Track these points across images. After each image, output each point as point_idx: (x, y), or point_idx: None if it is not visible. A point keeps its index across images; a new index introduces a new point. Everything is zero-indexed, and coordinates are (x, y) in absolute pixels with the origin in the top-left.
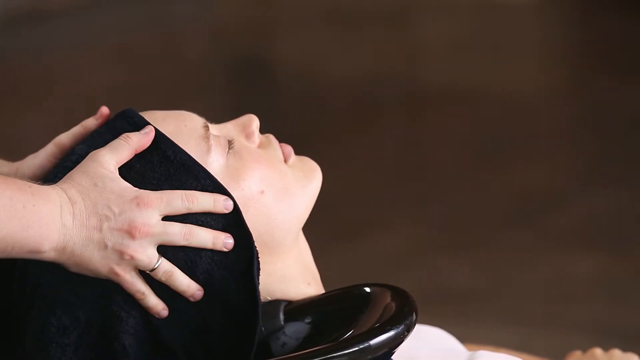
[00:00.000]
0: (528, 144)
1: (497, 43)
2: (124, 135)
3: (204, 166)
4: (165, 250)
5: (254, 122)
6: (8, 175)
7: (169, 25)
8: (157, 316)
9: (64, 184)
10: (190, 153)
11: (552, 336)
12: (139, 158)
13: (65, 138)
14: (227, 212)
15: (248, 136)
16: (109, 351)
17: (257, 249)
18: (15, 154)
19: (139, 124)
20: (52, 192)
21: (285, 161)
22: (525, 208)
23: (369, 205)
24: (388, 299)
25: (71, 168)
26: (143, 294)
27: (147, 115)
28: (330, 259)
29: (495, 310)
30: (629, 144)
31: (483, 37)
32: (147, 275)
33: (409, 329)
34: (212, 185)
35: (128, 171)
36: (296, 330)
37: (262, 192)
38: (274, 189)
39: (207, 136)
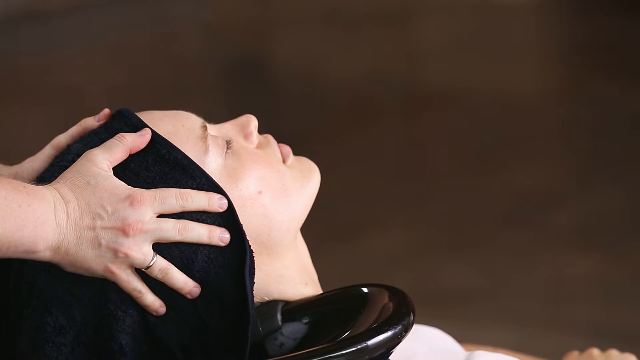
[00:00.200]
0: (526, 144)
1: (496, 43)
2: (119, 135)
3: (202, 166)
4: (160, 249)
5: (252, 122)
6: None
7: (167, 25)
8: (154, 314)
9: (57, 183)
10: (188, 153)
11: (550, 336)
12: (134, 157)
13: (63, 139)
14: (221, 210)
15: (246, 136)
16: (105, 350)
17: (255, 249)
18: (14, 154)
19: (136, 125)
20: (45, 192)
21: (284, 161)
22: (524, 208)
23: (368, 205)
24: (386, 299)
25: (67, 167)
26: (139, 292)
27: (145, 115)
28: (328, 259)
29: (493, 310)
30: (627, 144)
31: (482, 37)
32: (143, 274)
33: (406, 330)
34: (207, 183)
35: (123, 170)
36: (294, 330)
37: (260, 192)
38: (272, 189)
39: (204, 136)
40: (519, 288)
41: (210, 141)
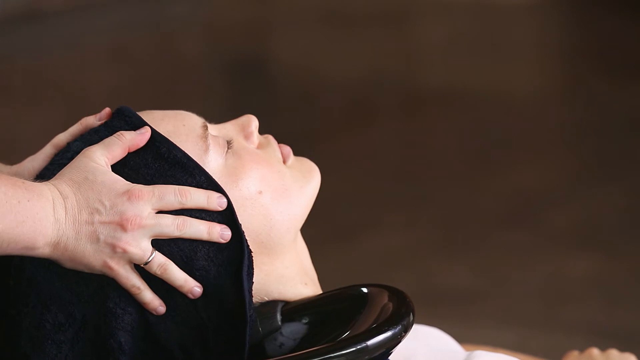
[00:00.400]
0: (525, 145)
1: (495, 44)
2: (118, 133)
3: (202, 165)
4: (159, 246)
5: (253, 122)
6: None
7: (166, 25)
8: (153, 312)
9: (55, 180)
10: (188, 152)
11: (549, 336)
12: (133, 155)
13: (63, 138)
14: (220, 209)
15: (247, 136)
16: (104, 348)
17: (255, 249)
18: (14, 155)
19: (137, 124)
20: (44, 188)
21: (284, 162)
22: (523, 208)
23: (367, 205)
24: (385, 299)
25: (66, 165)
26: (138, 288)
27: (146, 114)
28: (328, 259)
29: (492, 310)
30: (626, 144)
31: (481, 38)
32: (143, 272)
33: (406, 330)
34: (206, 182)
35: (122, 167)
36: (293, 330)
37: (260, 192)
38: (272, 190)
39: (205, 136)
40: (519, 288)
41: (210, 141)
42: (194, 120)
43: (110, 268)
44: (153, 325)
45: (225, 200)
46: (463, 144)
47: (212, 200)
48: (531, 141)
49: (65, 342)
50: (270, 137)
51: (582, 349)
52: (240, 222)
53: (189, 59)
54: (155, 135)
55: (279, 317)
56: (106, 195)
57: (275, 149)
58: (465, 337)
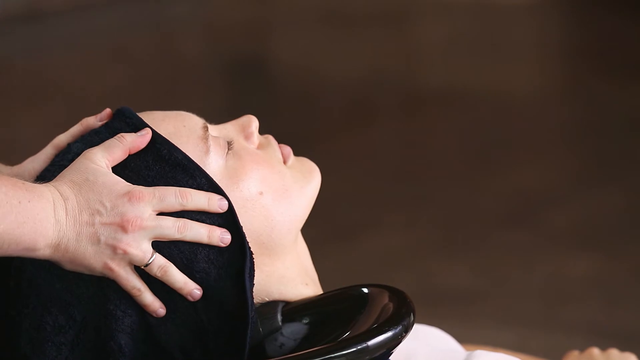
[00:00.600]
0: (525, 145)
1: (495, 44)
2: (119, 135)
3: (203, 167)
4: (160, 249)
5: (253, 123)
6: None
7: (166, 25)
8: (154, 315)
9: (56, 181)
10: (189, 153)
11: (549, 336)
12: (134, 157)
13: (64, 139)
14: (221, 211)
15: (247, 137)
16: (105, 350)
17: (256, 250)
18: (13, 155)
19: (137, 125)
20: (44, 190)
21: (284, 162)
22: (522, 208)
23: (367, 205)
24: (386, 299)
25: (67, 166)
26: (139, 290)
27: (146, 115)
28: (328, 260)
29: (492, 310)
30: (626, 144)
31: (481, 38)
32: (144, 274)
33: (406, 330)
34: (207, 184)
35: (123, 169)
36: (294, 331)
37: (261, 193)
38: (272, 190)
39: (205, 137)
40: (519, 288)
41: (211, 142)
42: (194, 121)
43: (110, 269)
44: (153, 328)
45: (226, 202)
46: (463, 143)
47: (212, 203)
48: (531, 141)
49: (66, 344)
50: (271, 138)
51: (582, 348)
52: (241, 223)
53: (189, 59)
54: (155, 136)
55: (279, 317)
56: (107, 197)
57: (275, 149)
58: (466, 337)
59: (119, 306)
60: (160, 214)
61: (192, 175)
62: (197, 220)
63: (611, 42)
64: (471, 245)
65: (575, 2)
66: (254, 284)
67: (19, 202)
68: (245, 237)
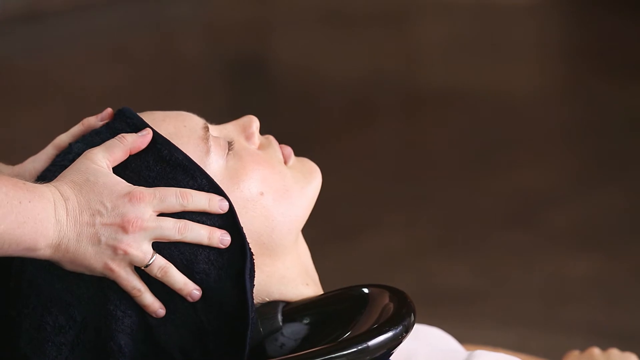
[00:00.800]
0: (525, 145)
1: (495, 44)
2: (120, 135)
3: (203, 167)
4: (160, 250)
5: (254, 123)
6: None
7: (166, 25)
8: (153, 315)
9: (57, 181)
10: (190, 154)
11: (549, 336)
12: (135, 157)
13: (65, 139)
14: (222, 212)
15: (248, 137)
16: (104, 350)
17: (256, 250)
18: (13, 155)
19: (138, 125)
20: (45, 190)
21: (285, 162)
22: (523, 209)
23: (367, 205)
24: (386, 299)
25: (68, 166)
26: (139, 291)
27: (147, 115)
28: (328, 260)
29: (492, 310)
30: (626, 144)
31: (481, 38)
32: (144, 275)
33: (407, 330)
34: (208, 184)
35: (123, 170)
36: (294, 331)
37: (262, 193)
38: (273, 191)
39: (206, 137)
40: (519, 288)
41: (211, 142)
42: (195, 121)
43: (111, 270)
44: (153, 328)
45: (226, 203)
46: (463, 144)
47: (213, 203)
48: (531, 141)
49: (66, 344)
50: (271, 138)
51: (582, 348)
52: (241, 223)
53: (189, 59)
54: (156, 137)
55: (280, 317)
56: (107, 197)
57: (276, 149)
58: (466, 337)
59: (119, 307)
60: (161, 214)
61: (192, 175)
62: (197, 221)
63: (611, 42)
64: (471, 245)
65: (575, 2)
66: (254, 285)
67: (20, 202)
68: (245, 238)
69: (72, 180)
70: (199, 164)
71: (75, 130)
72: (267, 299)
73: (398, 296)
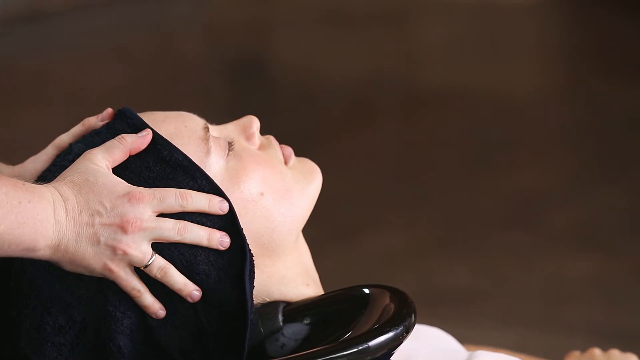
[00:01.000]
0: (525, 145)
1: (495, 44)
2: (119, 136)
3: (204, 168)
4: (160, 250)
5: (254, 123)
6: None
7: (166, 25)
8: (153, 316)
9: (56, 182)
10: (190, 154)
11: (549, 336)
12: (135, 158)
13: (65, 139)
14: (222, 213)
15: (248, 137)
16: (104, 351)
17: (257, 250)
18: (13, 155)
19: (138, 126)
20: (44, 190)
21: (286, 163)
22: (523, 209)
23: (367, 205)
24: (387, 300)
25: (68, 166)
26: (139, 291)
27: (147, 115)
28: (327, 260)
29: (492, 310)
30: (626, 145)
31: (481, 38)
32: (144, 276)
33: (408, 330)
34: (208, 185)
35: (123, 170)
36: (295, 331)
37: (262, 194)
38: (273, 191)
39: (206, 138)
40: (519, 288)
41: (212, 142)
42: (195, 122)
43: (110, 270)
44: (153, 329)
45: (226, 204)
46: (463, 144)
47: (213, 204)
48: (531, 141)
49: (66, 344)
50: (272, 138)
51: (582, 349)
52: (242, 224)
53: (189, 59)
54: (156, 137)
55: (280, 317)
56: (107, 197)
57: (276, 149)
58: (466, 337)
59: (118, 307)
60: (161, 215)
61: (192, 176)
62: (197, 222)
63: (611, 42)
64: (471, 246)
65: (575, 2)
66: (254, 286)
67: (19, 203)
68: (245, 239)
69: (71, 181)
70: (199, 165)
71: (76, 130)
72: (268, 299)
73: (399, 296)
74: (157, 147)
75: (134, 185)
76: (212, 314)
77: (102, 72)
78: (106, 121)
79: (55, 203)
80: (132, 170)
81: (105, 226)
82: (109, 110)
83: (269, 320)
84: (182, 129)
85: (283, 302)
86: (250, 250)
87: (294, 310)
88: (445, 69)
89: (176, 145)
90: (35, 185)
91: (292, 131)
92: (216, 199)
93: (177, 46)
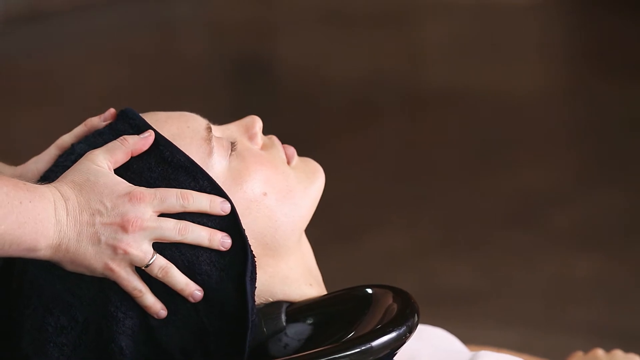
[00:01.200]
0: (527, 145)
1: (496, 44)
2: (121, 137)
3: (206, 168)
4: (161, 250)
5: (257, 123)
6: None
7: (168, 25)
8: (155, 316)
9: (57, 182)
10: (192, 155)
11: (551, 337)
12: (137, 159)
13: (67, 139)
14: (224, 214)
15: (251, 138)
16: (105, 351)
17: (260, 250)
18: (14, 155)
19: (140, 126)
20: (45, 190)
21: (288, 163)
22: (524, 209)
23: (370, 206)
24: (390, 300)
25: (70, 167)
26: (140, 291)
27: (149, 116)
28: (330, 260)
29: (494, 311)
30: (627, 145)
31: (482, 38)
32: (145, 276)
33: (410, 331)
34: (210, 186)
35: (125, 171)
36: (298, 331)
37: (265, 194)
38: (276, 191)
39: (209, 138)
40: (521, 289)
41: (214, 143)
42: (198, 122)
43: (111, 270)
44: (154, 329)
45: (228, 205)
46: (464, 144)
47: (215, 205)
48: (532, 141)
49: (68, 345)
50: (274, 138)
51: (584, 349)
52: (244, 224)
53: (189, 59)
54: (158, 138)
55: (283, 317)
56: (108, 197)
57: (279, 150)
58: (468, 337)
59: (119, 308)
60: (162, 215)
61: (194, 177)
62: (199, 222)
63: (611, 42)
64: (473, 246)
65: (575, 2)
66: (255, 287)
67: (20, 203)
68: (247, 240)
69: (72, 181)
70: (201, 165)
71: (78, 130)
72: (271, 299)
73: (402, 296)
74: (159, 148)
75: (135, 185)
76: (214, 314)
77: (102, 72)
78: (109, 121)
79: (56, 203)
80: (133, 171)
81: (106, 225)
82: (112, 110)
83: (271, 320)
84: (184, 130)
85: (286, 302)
86: (252, 251)
87: (297, 310)
88: (445, 69)
89: (179, 146)
90: (36, 185)
91: (293, 131)
92: (218, 199)
93: (178, 46)
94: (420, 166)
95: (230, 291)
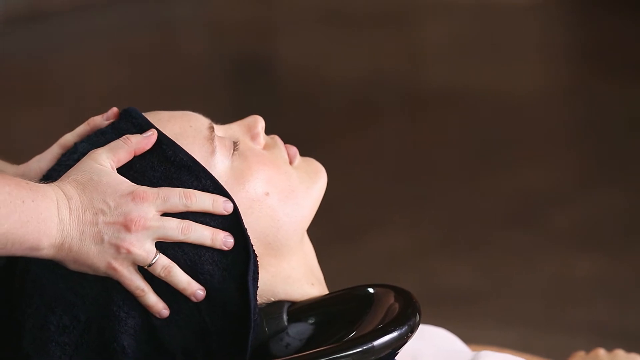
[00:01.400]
0: (527, 145)
1: (497, 44)
2: (124, 137)
3: (209, 168)
4: (164, 250)
5: (259, 123)
6: None
7: (168, 25)
8: (157, 316)
9: (60, 181)
10: (195, 154)
11: (552, 337)
12: (140, 158)
13: (70, 138)
14: (226, 213)
15: (253, 137)
16: (107, 351)
17: (262, 250)
18: (14, 155)
19: (143, 126)
20: (48, 189)
21: (290, 162)
22: (525, 209)
23: (371, 206)
24: (391, 299)
25: (72, 166)
26: (142, 291)
27: (152, 115)
28: (331, 260)
29: (494, 311)
30: (628, 145)
31: (482, 38)
32: (148, 275)
33: (412, 330)
34: (212, 185)
35: (128, 170)
36: (300, 331)
37: (267, 193)
38: (278, 191)
39: (211, 137)
40: (522, 288)
41: (217, 142)
42: (200, 122)
43: (114, 269)
44: (156, 329)
45: (231, 204)
46: (465, 144)
47: (217, 204)
48: (533, 141)
49: (70, 344)
50: (277, 138)
51: (584, 348)
52: (246, 224)
53: (189, 59)
54: (161, 137)
55: (285, 317)
56: (111, 196)
57: (281, 149)
58: (468, 337)
59: (122, 307)
60: (165, 215)
61: (197, 176)
62: (201, 222)
63: (611, 42)
64: (473, 246)
65: (576, 3)
66: (257, 286)
67: (23, 202)
68: (249, 240)
69: (75, 180)
70: (204, 165)
71: (81, 129)
72: (273, 299)
73: (403, 296)
74: (162, 147)
75: (138, 184)
76: (216, 314)
77: (102, 72)
78: (111, 120)
79: (59, 202)
80: (136, 170)
81: (109, 225)
82: (114, 109)
83: (273, 319)
84: (187, 129)
85: (288, 301)
86: (254, 250)
87: (299, 310)
88: (445, 69)
89: (181, 145)
90: (39, 184)
91: (294, 131)
92: (220, 199)
93: (178, 46)
94: (421, 166)
95: (232, 291)
